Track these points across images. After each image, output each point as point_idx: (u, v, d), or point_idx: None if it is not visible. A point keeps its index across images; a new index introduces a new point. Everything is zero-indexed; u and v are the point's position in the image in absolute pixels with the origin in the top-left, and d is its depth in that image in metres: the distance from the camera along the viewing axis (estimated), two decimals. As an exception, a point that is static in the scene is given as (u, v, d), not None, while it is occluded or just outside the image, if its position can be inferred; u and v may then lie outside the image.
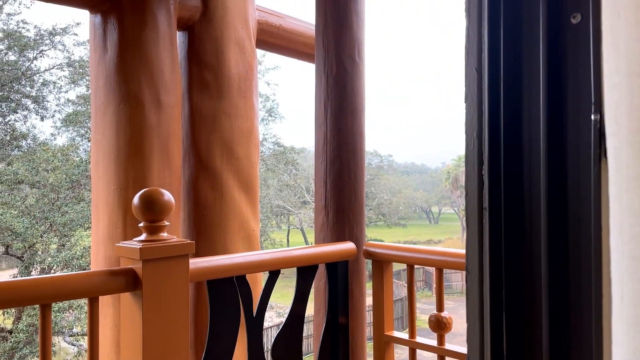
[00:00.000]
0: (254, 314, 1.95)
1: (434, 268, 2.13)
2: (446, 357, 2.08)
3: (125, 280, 1.56)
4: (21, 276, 10.99)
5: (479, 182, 0.75)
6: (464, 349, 2.00)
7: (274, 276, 2.02)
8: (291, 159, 19.20)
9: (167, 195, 1.62)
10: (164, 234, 1.63)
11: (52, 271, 10.83)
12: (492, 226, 0.74)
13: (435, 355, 2.07)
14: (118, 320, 2.74)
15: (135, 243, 1.58)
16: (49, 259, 10.73)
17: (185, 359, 1.65)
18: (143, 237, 1.61)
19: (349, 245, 2.28)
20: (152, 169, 2.73)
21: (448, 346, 2.05)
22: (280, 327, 2.09)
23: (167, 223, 1.65)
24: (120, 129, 2.69)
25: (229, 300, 1.86)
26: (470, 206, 0.75)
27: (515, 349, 0.74)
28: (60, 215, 10.53)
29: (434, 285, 2.13)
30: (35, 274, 11.31)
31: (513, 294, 0.75)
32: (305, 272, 2.14)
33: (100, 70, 2.75)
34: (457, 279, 21.80)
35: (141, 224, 1.62)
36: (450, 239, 38.08)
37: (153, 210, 1.59)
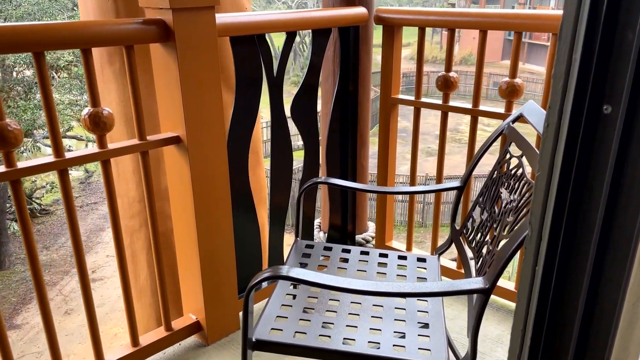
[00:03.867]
0: (275, 74, 2.02)
1: (446, 31, 2.18)
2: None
3: (157, 30, 1.56)
4: None
5: None
6: (466, 104, 2.17)
7: (291, 37, 2.04)
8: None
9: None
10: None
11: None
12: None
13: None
14: (123, 96, 2.77)
15: (164, -9, 1.54)
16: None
17: (220, 116, 1.75)
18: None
19: (360, 10, 2.27)
20: None
21: (453, 103, 2.21)
22: (295, 95, 2.18)
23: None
24: None
25: (250, 58, 1.91)
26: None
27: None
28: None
29: (446, 46, 2.20)
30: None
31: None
32: (320, 37, 2.16)
33: None
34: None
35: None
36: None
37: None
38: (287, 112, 2.13)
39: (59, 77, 11.61)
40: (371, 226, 2.91)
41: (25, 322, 10.23)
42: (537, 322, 0.80)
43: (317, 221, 2.87)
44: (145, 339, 1.76)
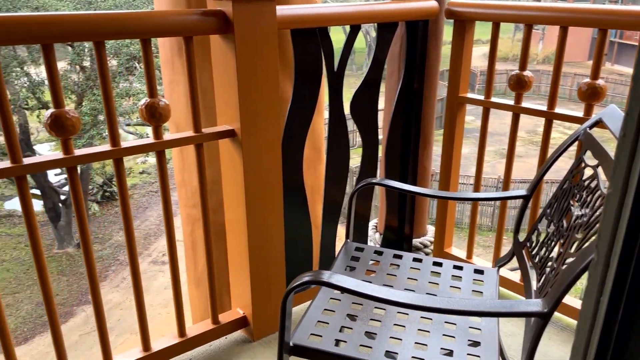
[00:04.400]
0: (335, 69, 1.96)
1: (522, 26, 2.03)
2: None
3: (216, 21, 1.55)
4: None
5: None
6: (541, 106, 2.01)
7: (355, 31, 1.97)
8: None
9: None
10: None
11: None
12: None
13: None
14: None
15: (224, -18, 1.52)
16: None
17: (275, 111, 1.72)
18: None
19: (431, 3, 2.16)
20: None
21: (525, 104, 2.06)
22: (356, 91, 2.12)
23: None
24: None
25: (311, 52, 1.86)
26: None
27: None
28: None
29: (521, 43, 2.05)
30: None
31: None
32: (385, 31, 2.08)
33: None
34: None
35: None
36: None
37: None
38: (347, 109, 2.08)
39: (141, 67, 12.19)
40: (430, 230, 2.79)
41: (99, 297, 10.85)
42: (598, 361, 0.69)
43: (373, 221, 2.80)
44: (192, 330, 1.77)
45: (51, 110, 1.29)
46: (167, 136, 1.56)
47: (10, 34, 1.20)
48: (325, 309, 1.38)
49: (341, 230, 2.58)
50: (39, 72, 11.71)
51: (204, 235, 1.71)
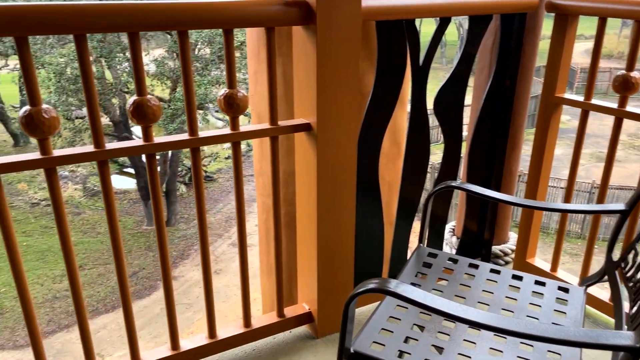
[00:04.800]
0: (420, 63, 1.88)
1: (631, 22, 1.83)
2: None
3: (299, 12, 1.52)
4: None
5: None
6: (650, 113, 1.80)
7: (444, 24, 1.87)
8: None
9: None
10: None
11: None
12: None
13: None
14: (279, 78, 2.82)
15: (308, -30, 1.49)
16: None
17: (354, 107, 1.67)
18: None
19: (528, -5, 2.01)
20: None
21: (630, 108, 1.86)
22: (441, 86, 2.01)
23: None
24: None
25: (396, 45, 1.79)
26: None
27: None
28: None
29: (629, 40, 1.84)
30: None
31: None
32: (478, 24, 1.96)
33: None
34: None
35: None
36: None
37: None
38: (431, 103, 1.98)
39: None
40: (513, 237, 2.62)
41: (181, 275, 11.44)
42: None
43: (451, 224, 2.68)
44: (257, 321, 1.78)
45: (134, 97, 1.33)
46: (243, 128, 1.56)
47: (96, 23, 1.23)
48: (390, 316, 1.32)
49: (417, 226, 2.47)
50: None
51: (274, 229, 1.71)
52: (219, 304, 10.03)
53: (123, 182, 14.72)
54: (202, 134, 1.48)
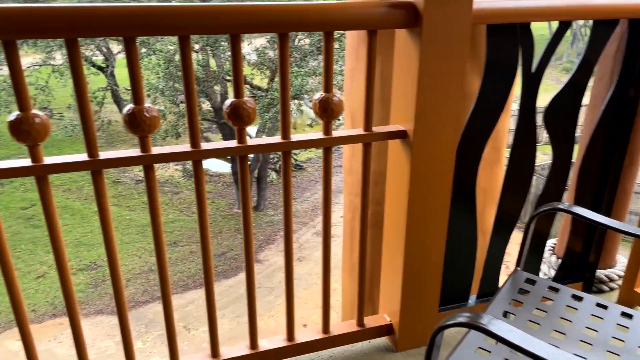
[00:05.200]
0: (533, 70, 1.73)
1: None
2: None
3: (404, 15, 1.44)
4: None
5: None
6: None
7: (564, 28, 1.71)
8: None
9: None
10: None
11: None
12: None
13: None
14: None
15: (417, -30, 1.41)
16: None
17: (455, 117, 1.57)
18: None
19: (664, -2, 1.78)
20: None
21: None
22: (555, 94, 1.84)
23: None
24: None
25: (507, 50, 1.65)
26: None
27: None
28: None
29: None
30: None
31: None
32: (602, 29, 1.77)
33: None
34: None
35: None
36: None
37: None
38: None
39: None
40: (621, 261, 2.38)
41: (266, 259, 11.79)
42: None
43: (552, 241, 2.47)
44: (335, 328, 1.75)
45: (231, 99, 1.33)
46: (336, 133, 1.52)
47: (199, 25, 1.24)
48: (479, 347, 1.23)
49: (515, 236, 2.28)
50: (242, 46, 12.88)
51: (360, 240, 1.66)
52: (299, 290, 10.22)
53: (218, 166, 15.37)
54: (294, 137, 1.46)
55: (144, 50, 11.69)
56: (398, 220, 1.68)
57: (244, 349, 1.63)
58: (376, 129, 1.56)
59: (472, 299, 2.01)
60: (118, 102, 15.74)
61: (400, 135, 1.57)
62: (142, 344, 9.29)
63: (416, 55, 1.47)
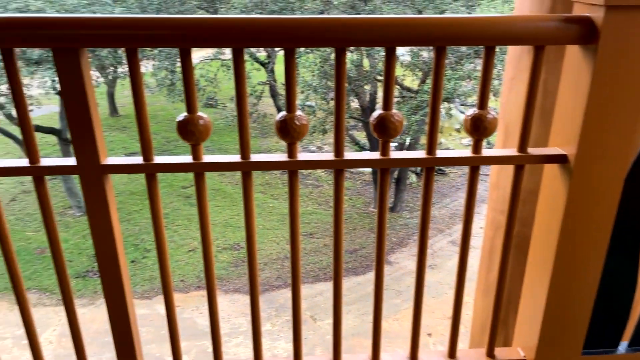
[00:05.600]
0: None
1: None
2: None
3: (579, 30, 1.30)
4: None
5: None
6: None
7: None
8: None
9: None
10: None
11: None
12: None
13: None
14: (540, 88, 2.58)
15: (599, -17, 1.26)
16: None
17: (628, 145, 1.38)
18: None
19: None
20: None
21: None
22: None
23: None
24: None
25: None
26: None
27: None
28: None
29: None
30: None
31: None
32: None
33: None
34: None
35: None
36: None
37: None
38: None
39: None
40: None
41: (396, 261, 11.70)
42: None
43: None
44: (463, 354, 1.67)
45: (379, 111, 1.32)
46: (486, 152, 1.43)
47: (355, 39, 1.26)
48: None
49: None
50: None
51: (499, 267, 1.55)
52: (427, 298, 9.98)
53: (360, 164, 15.61)
54: (439, 153, 1.41)
55: (302, 48, 12.27)
56: (547, 249, 1.53)
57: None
58: (532, 150, 1.44)
59: (623, 346, 1.78)
60: (274, 96, 16.72)
61: (560, 159, 1.43)
62: (271, 326, 9.82)
63: (588, 75, 1.32)
